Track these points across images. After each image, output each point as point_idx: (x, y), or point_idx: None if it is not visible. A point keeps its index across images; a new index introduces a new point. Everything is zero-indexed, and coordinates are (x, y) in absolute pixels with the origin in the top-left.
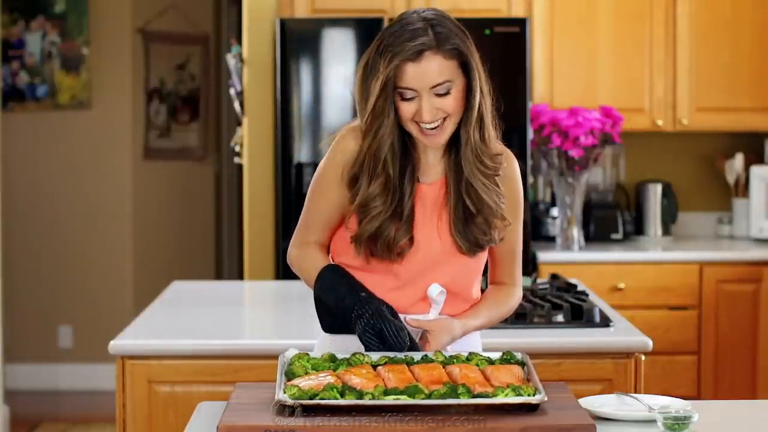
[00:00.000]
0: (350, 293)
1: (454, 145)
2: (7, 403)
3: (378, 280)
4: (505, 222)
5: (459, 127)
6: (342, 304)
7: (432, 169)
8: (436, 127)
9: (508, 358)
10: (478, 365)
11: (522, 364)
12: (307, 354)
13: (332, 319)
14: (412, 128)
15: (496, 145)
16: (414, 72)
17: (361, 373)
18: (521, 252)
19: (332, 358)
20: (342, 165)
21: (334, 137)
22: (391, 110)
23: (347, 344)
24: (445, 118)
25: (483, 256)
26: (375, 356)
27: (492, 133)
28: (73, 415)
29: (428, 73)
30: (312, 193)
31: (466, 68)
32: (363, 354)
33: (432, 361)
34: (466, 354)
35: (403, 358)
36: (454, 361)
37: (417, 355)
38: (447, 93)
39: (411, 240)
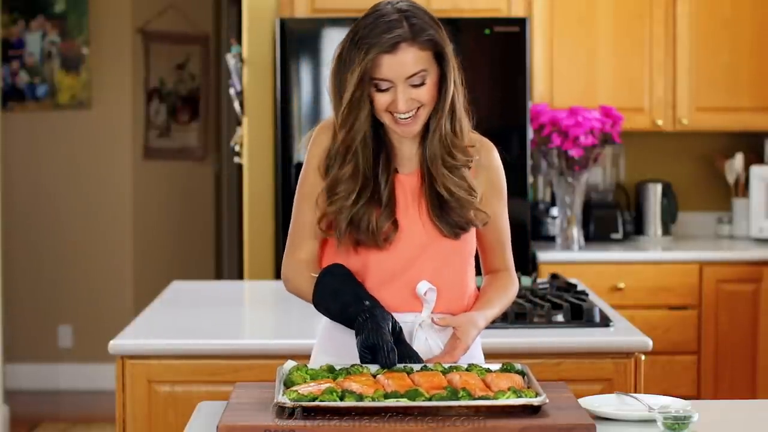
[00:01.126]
0: (355, 300)
1: (428, 136)
2: (7, 402)
3: (367, 276)
4: (479, 213)
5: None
6: (346, 312)
7: (408, 159)
8: (409, 117)
9: (508, 368)
10: (478, 375)
11: (522, 374)
12: (306, 365)
13: (336, 320)
14: (385, 118)
15: (470, 136)
16: (390, 63)
17: (361, 380)
18: (509, 237)
19: (331, 369)
20: (318, 161)
21: (310, 136)
22: (367, 102)
23: (346, 340)
24: (418, 108)
25: (468, 242)
26: (373, 368)
27: (465, 125)
28: (73, 414)
29: (404, 64)
30: (297, 200)
31: (439, 59)
32: (362, 366)
33: (431, 370)
34: (465, 366)
35: (403, 368)
36: (454, 370)
37: (416, 366)
38: (422, 83)
39: (395, 225)
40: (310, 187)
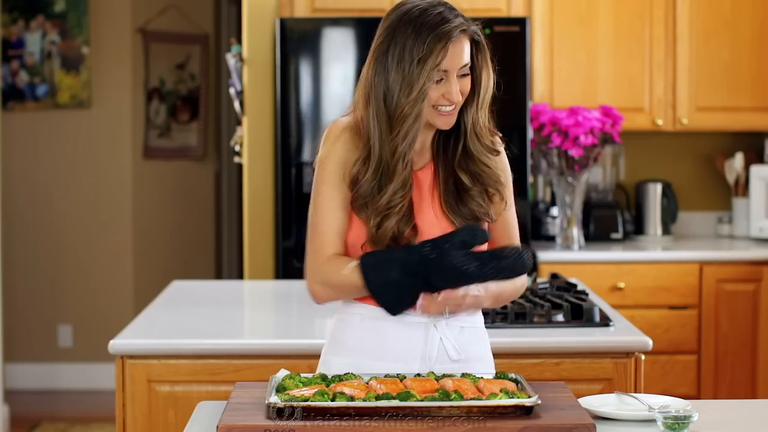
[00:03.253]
0: (408, 252)
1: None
2: (7, 402)
3: None
4: (502, 199)
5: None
6: (411, 263)
7: (421, 155)
8: (452, 108)
9: (501, 377)
10: (471, 381)
11: (516, 381)
12: (298, 375)
13: (401, 293)
14: (431, 112)
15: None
16: (451, 54)
17: (353, 385)
18: (517, 228)
19: (323, 377)
20: (343, 169)
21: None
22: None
23: (358, 339)
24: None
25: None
26: (366, 377)
27: (488, 116)
28: (73, 414)
29: (460, 53)
30: (317, 199)
31: (477, 51)
32: (354, 375)
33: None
34: (458, 375)
35: (396, 375)
36: (447, 377)
37: (410, 374)
38: (466, 74)
39: (414, 229)
40: (331, 185)
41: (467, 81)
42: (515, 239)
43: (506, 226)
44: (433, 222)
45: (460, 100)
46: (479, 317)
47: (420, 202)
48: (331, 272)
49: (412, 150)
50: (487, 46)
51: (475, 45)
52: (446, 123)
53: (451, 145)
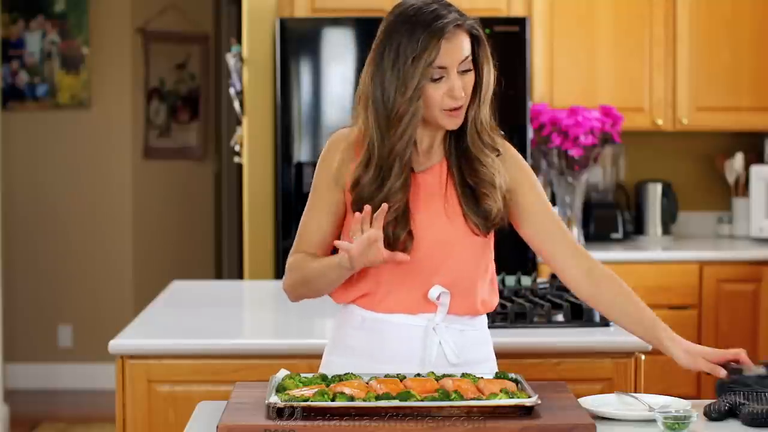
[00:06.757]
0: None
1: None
2: (7, 402)
3: (384, 277)
4: (495, 201)
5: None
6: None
7: (428, 156)
8: (459, 107)
9: (501, 377)
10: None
11: (516, 381)
12: (298, 374)
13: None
14: (436, 112)
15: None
16: (447, 49)
17: (353, 385)
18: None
19: (323, 377)
20: (337, 168)
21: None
22: (422, 93)
23: (359, 340)
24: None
25: (489, 243)
26: (366, 377)
27: (489, 113)
28: (73, 414)
29: (458, 48)
30: (309, 202)
31: (477, 46)
32: (354, 375)
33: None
34: (459, 375)
35: (396, 375)
36: (446, 377)
37: (410, 374)
38: (469, 70)
39: (410, 234)
40: (321, 187)
41: (470, 77)
42: (567, 231)
43: (552, 216)
44: (440, 224)
45: (463, 95)
46: (482, 320)
47: (417, 205)
48: (303, 261)
49: (410, 150)
50: (487, 41)
51: (474, 40)
52: (454, 123)
53: (458, 145)
